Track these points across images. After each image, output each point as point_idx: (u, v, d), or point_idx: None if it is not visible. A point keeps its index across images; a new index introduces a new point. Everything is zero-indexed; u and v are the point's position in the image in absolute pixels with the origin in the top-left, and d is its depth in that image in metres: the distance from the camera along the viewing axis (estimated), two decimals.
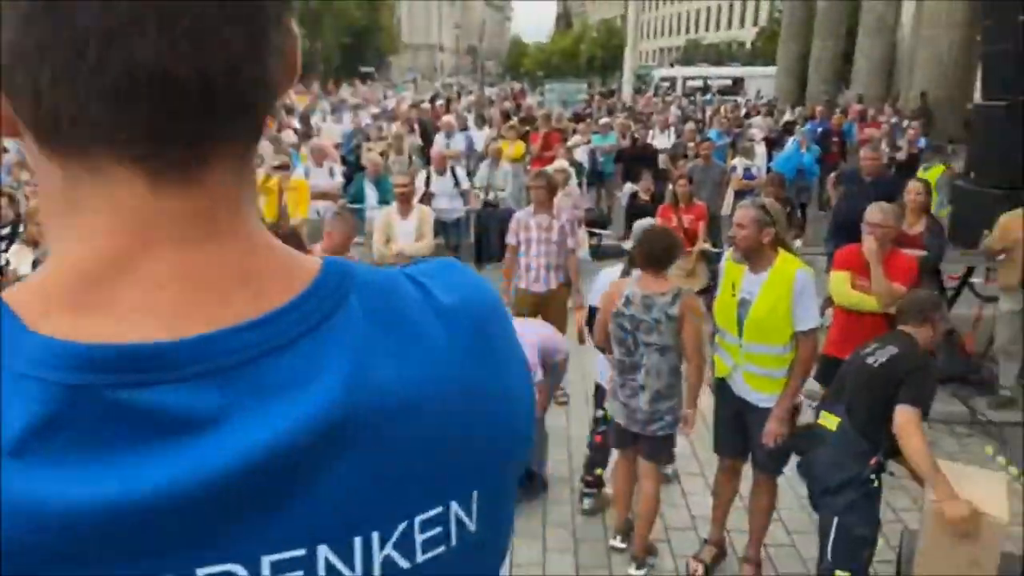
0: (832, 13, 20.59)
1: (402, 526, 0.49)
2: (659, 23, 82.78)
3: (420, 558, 0.50)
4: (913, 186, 5.71)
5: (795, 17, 23.49)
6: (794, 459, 4.68)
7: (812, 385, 4.88)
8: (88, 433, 0.41)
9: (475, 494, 0.53)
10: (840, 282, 4.50)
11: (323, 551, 0.46)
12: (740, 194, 8.16)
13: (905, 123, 12.80)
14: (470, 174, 9.33)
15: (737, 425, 3.58)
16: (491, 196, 8.83)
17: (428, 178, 7.99)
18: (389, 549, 0.49)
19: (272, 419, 0.44)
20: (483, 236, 8.10)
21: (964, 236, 6.11)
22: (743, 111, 19.03)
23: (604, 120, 13.09)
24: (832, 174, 8.00)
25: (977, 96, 8.55)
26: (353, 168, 9.78)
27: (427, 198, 7.58)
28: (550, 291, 5.25)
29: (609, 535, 3.93)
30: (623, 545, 3.81)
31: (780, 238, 3.38)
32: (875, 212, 4.45)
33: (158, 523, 0.41)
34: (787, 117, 15.57)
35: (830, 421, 3.09)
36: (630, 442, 3.70)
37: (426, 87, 34.36)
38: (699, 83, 32.10)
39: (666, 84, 32.97)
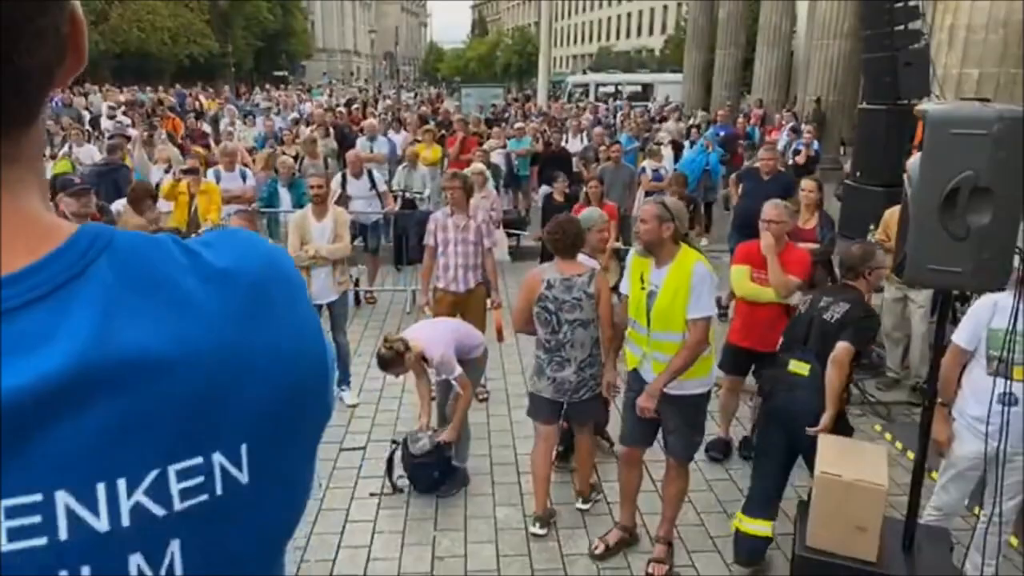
0: (732, 23, 21.60)
1: (153, 474, 0.51)
2: (572, 31, 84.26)
3: (179, 506, 0.52)
4: (807, 184, 6.08)
5: (699, 26, 24.46)
6: (704, 443, 4.94)
7: (717, 372, 5.17)
8: None
9: (244, 447, 0.55)
10: (740, 275, 4.76)
11: (62, 496, 0.48)
12: (650, 195, 8.47)
13: (802, 127, 13.52)
14: (390, 176, 9.31)
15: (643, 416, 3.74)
16: (409, 198, 8.84)
17: (344, 181, 7.94)
18: (139, 496, 0.50)
19: (8, 374, 0.46)
20: (402, 238, 8.10)
21: (852, 230, 6.55)
22: (651, 116, 19.67)
23: (519, 124, 13.30)
24: (733, 174, 8.40)
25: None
26: None
27: (343, 201, 7.53)
28: (469, 290, 5.32)
29: (529, 523, 4.04)
30: (543, 532, 3.94)
31: (682, 233, 3.58)
32: (770, 208, 4.74)
33: None
34: (692, 121, 16.22)
35: (802, 367, 3.65)
36: (556, 414, 4.05)
37: (342, 91, 33.86)
38: (611, 89, 32.91)
39: (579, 90, 33.63)
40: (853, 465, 3.22)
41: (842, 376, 3.53)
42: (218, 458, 0.54)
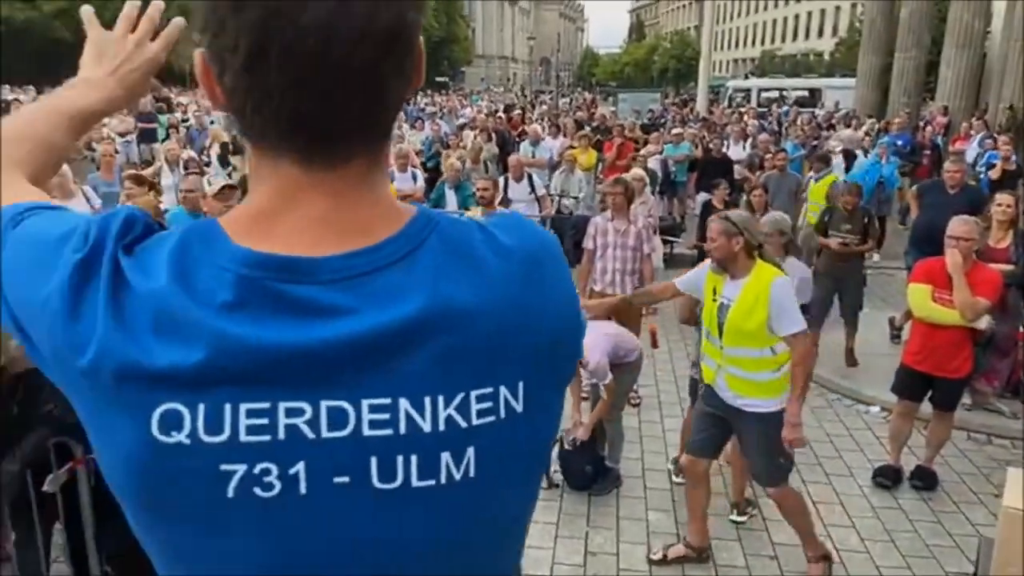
0: (915, 23, 19.91)
1: (460, 395, 0.68)
2: (734, 34, 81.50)
3: (475, 422, 0.69)
4: (1003, 198, 5.58)
5: (876, 28, 22.82)
6: (870, 468, 4.70)
7: (889, 396, 4.90)
8: (265, 307, 0.64)
9: (521, 384, 0.71)
10: (921, 295, 4.48)
11: (403, 403, 0.66)
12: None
13: (997, 137, 12.30)
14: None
15: (711, 424, 3.70)
16: (565, 203, 9.00)
17: (506, 185, 8.22)
18: (451, 410, 0.67)
19: (378, 313, 0.65)
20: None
21: None
22: (819, 122, 18.67)
23: (677, 130, 13.12)
24: (913, 186, 7.83)
25: None
26: (433, 173, 10.12)
27: (505, 203, 7.80)
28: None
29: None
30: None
31: (755, 245, 3.47)
32: (959, 225, 4.42)
33: (307, 365, 0.64)
34: (864, 129, 15.23)
35: None
36: None
37: (499, 97, 34.84)
38: (774, 94, 31.51)
39: (740, 95, 32.49)
40: None
41: None
42: (503, 390, 0.70)
